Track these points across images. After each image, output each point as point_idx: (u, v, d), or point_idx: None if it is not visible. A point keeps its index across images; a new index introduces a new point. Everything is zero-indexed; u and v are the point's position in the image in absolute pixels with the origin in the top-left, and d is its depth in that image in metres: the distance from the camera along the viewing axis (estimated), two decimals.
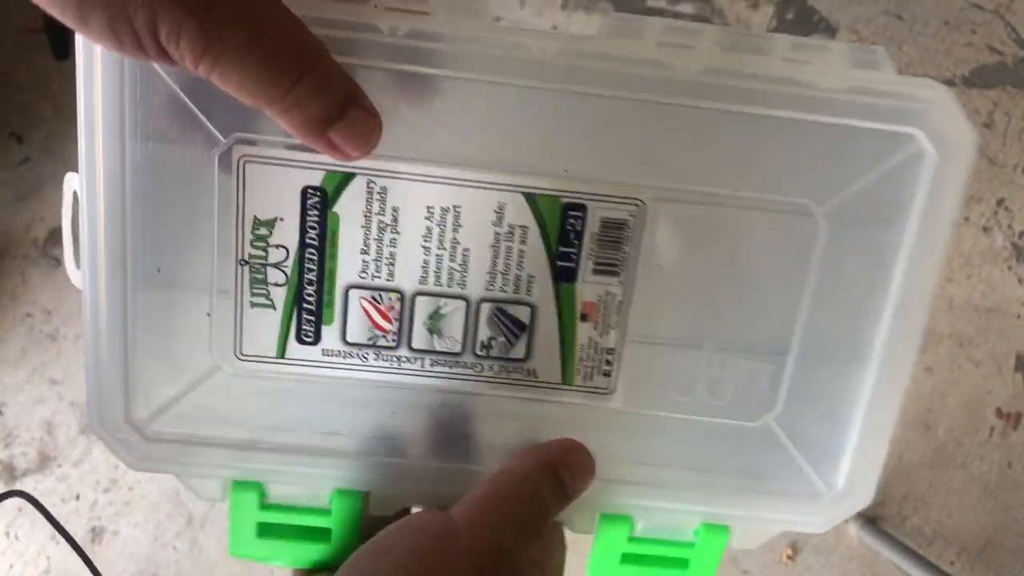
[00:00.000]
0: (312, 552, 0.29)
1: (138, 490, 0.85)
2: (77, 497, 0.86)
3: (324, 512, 0.29)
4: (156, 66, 0.25)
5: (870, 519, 0.86)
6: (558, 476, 0.28)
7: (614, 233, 0.27)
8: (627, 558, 0.30)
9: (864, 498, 0.28)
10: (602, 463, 0.28)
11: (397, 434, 0.28)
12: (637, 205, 0.27)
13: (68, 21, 0.21)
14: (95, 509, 0.85)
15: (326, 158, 0.26)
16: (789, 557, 0.86)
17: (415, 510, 0.30)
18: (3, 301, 0.89)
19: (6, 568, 0.82)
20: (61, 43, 0.82)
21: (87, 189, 0.26)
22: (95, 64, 0.25)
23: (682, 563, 0.30)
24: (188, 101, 0.26)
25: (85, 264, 0.27)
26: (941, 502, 0.88)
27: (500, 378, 0.28)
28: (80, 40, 0.25)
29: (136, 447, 0.28)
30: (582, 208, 0.27)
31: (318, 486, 0.29)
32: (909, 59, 1.06)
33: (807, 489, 0.29)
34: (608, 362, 0.28)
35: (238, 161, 0.26)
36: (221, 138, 0.26)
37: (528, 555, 0.26)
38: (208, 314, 0.27)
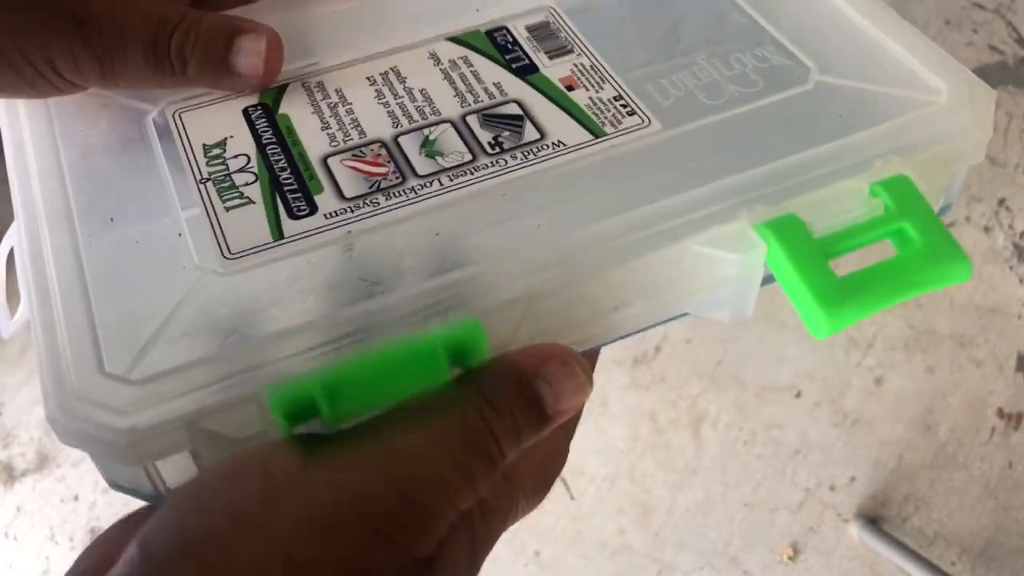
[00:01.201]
0: None
1: None
2: (76, 498, 0.83)
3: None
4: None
5: (871, 519, 0.81)
6: (533, 393, 0.19)
7: (544, 31, 0.28)
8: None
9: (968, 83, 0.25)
10: (703, 192, 0.23)
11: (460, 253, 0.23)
12: (550, 9, 0.29)
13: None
14: (94, 509, 0.82)
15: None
16: (789, 557, 0.81)
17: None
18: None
19: (6, 568, 0.79)
20: None
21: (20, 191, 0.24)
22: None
23: (893, 232, 0.22)
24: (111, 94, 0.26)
25: (21, 226, 0.23)
26: (942, 502, 0.82)
27: (530, 161, 0.24)
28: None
29: (121, 402, 0.19)
30: (502, 28, 0.29)
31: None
32: None
33: (911, 99, 0.25)
34: (624, 104, 0.26)
35: (173, 115, 0.26)
36: (152, 108, 0.26)
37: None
38: (179, 235, 0.23)
